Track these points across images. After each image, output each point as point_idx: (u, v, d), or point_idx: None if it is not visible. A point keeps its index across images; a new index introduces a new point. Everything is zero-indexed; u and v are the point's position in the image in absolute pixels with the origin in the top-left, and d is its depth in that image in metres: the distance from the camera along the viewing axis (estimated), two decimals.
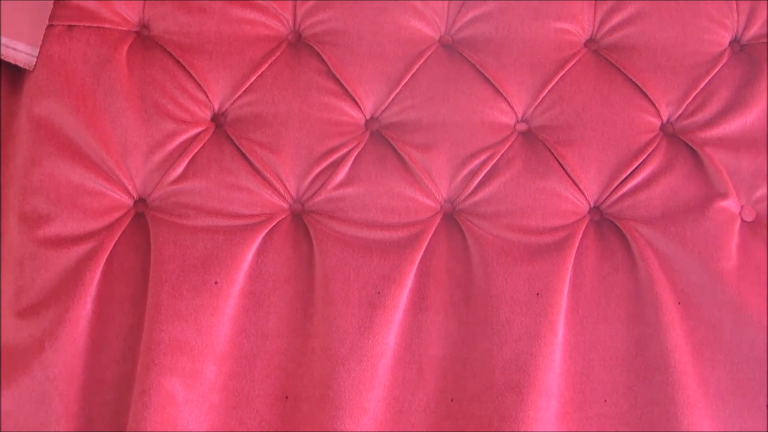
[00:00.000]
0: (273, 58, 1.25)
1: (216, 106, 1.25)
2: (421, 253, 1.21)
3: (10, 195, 1.22)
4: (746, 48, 1.31)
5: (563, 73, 1.26)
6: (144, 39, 1.26)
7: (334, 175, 1.23)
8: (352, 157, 1.23)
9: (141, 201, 1.23)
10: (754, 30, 1.31)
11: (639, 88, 1.26)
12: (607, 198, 1.24)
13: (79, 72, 1.22)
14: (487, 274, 1.21)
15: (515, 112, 1.26)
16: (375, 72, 1.25)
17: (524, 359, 1.18)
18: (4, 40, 1.20)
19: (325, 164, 1.23)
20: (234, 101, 1.24)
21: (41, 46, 1.21)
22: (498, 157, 1.24)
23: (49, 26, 1.22)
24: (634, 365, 1.21)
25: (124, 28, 1.25)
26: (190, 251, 1.20)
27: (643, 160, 1.24)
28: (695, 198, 1.24)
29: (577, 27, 1.27)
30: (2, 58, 1.20)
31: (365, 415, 1.19)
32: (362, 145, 1.24)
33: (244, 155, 1.22)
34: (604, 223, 1.24)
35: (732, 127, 1.26)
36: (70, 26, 1.23)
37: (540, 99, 1.25)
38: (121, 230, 1.21)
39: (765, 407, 1.19)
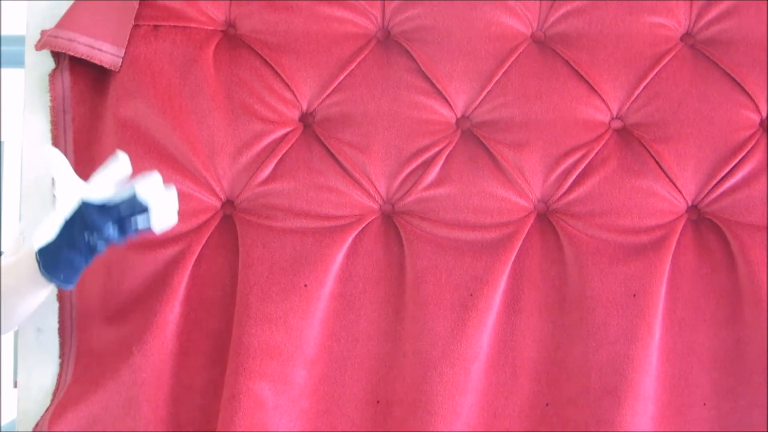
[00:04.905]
0: (362, 56, 1.22)
1: (304, 106, 1.22)
2: (514, 254, 1.19)
3: None
4: None
5: (659, 68, 1.22)
6: (230, 38, 1.23)
7: (424, 175, 1.20)
8: (443, 157, 1.20)
9: (229, 203, 1.21)
10: None
11: (737, 83, 1.22)
12: (705, 196, 1.21)
13: (165, 72, 1.20)
14: (582, 275, 1.18)
15: (610, 109, 1.23)
16: (466, 69, 1.22)
17: (621, 362, 1.16)
18: (89, 41, 1.19)
19: (415, 164, 1.20)
20: (322, 100, 1.22)
21: (127, 47, 1.19)
22: (592, 155, 1.21)
23: (135, 26, 1.20)
24: (734, 368, 1.18)
25: (210, 28, 1.23)
26: (279, 253, 1.18)
27: (743, 157, 1.20)
28: None
29: (673, 21, 1.24)
30: (87, 58, 1.18)
31: (458, 419, 1.17)
32: (453, 144, 1.21)
33: (333, 155, 1.20)
34: (703, 222, 1.21)
35: None
36: (155, 26, 1.21)
37: (635, 95, 1.22)
38: (209, 233, 1.20)
39: None
